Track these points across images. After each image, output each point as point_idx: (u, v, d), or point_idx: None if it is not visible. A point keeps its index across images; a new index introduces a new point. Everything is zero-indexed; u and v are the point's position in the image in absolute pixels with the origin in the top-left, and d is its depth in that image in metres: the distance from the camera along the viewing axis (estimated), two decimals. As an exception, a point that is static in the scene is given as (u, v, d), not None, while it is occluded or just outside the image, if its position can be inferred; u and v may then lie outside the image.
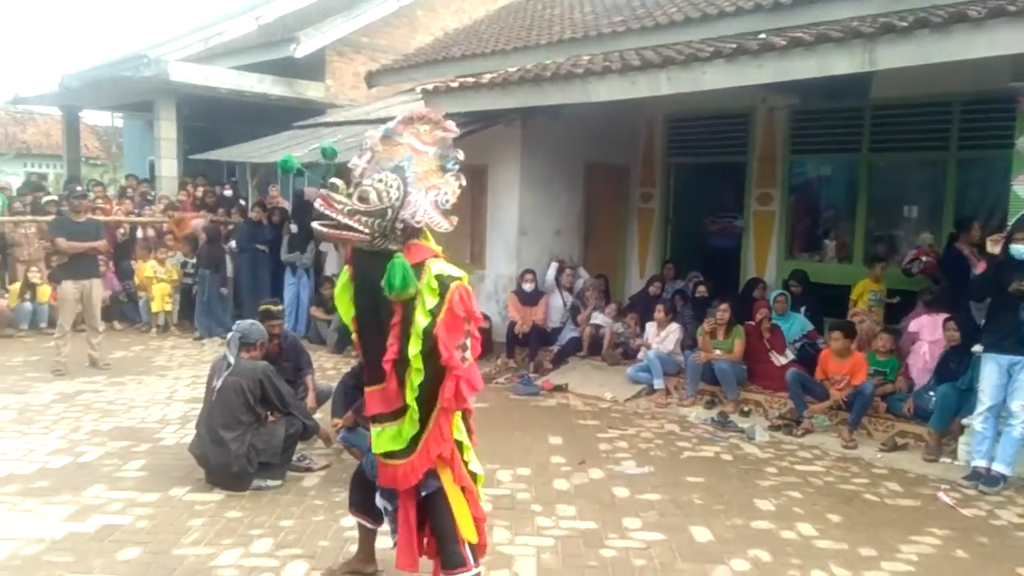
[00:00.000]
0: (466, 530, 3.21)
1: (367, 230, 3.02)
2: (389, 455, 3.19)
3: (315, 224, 3.08)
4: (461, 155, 3.19)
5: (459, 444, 3.25)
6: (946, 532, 4.59)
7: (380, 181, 3.04)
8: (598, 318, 8.65)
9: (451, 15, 14.81)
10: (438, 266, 3.04)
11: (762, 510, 4.86)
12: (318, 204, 3.06)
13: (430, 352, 2.97)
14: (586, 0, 11.27)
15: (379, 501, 3.46)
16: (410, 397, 3.04)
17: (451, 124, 3.20)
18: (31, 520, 4.30)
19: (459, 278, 3.05)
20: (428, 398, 3.06)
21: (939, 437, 5.93)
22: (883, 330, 6.96)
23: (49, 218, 9.82)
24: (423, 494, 3.19)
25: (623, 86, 6.86)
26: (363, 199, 3.02)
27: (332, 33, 13.21)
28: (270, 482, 4.89)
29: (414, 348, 2.97)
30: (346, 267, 3.31)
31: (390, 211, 3.02)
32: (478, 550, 3.32)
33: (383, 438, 3.18)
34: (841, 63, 5.61)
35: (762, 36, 6.41)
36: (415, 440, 3.12)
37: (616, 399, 7.48)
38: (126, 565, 3.83)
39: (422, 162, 3.12)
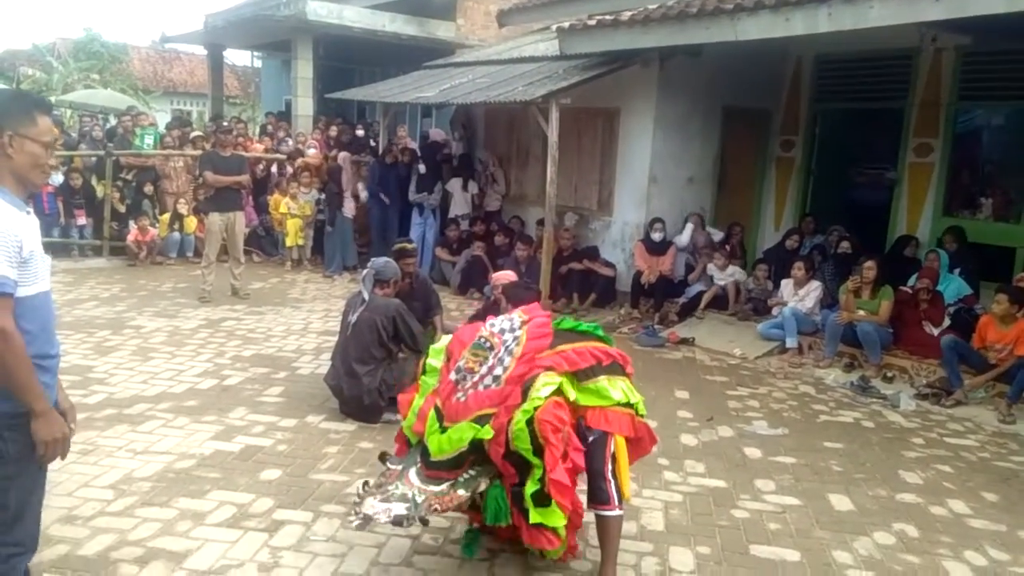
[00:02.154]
0: (622, 481, 3.15)
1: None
2: None
3: None
4: None
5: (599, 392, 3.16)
6: (1123, 523, 4.15)
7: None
8: (715, 272, 8.26)
9: (585, -49, 14.28)
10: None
11: (908, 482, 4.56)
12: None
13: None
14: (732, -68, 10.55)
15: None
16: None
17: None
18: (182, 437, 4.58)
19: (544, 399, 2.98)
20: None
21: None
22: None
23: (197, 152, 10.31)
24: (590, 439, 3.13)
25: (776, 23, 6.36)
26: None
27: (465, -30, 13.07)
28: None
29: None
30: None
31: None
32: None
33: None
34: (1037, -5, 4.96)
35: (938, -34, 5.75)
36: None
37: (746, 356, 7.19)
38: (268, 485, 4.01)
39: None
